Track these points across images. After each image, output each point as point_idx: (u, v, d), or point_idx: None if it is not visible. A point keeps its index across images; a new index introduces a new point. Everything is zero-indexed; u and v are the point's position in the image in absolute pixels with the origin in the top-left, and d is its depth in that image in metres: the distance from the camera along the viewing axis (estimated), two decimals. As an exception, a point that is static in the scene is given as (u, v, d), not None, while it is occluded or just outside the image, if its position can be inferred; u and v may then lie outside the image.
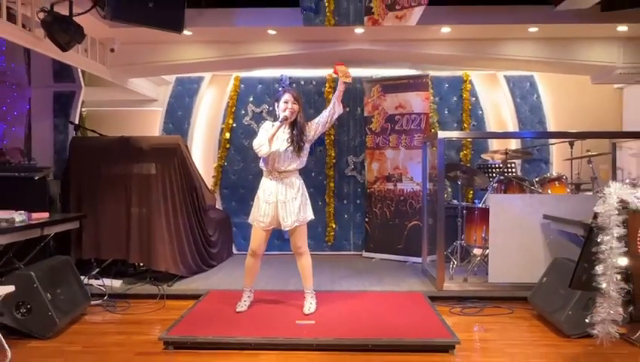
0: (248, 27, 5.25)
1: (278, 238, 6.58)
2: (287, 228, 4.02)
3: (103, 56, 5.46)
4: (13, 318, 3.64)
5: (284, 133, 3.99)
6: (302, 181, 4.13)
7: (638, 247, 2.05)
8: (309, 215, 4.10)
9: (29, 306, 3.65)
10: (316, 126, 4.05)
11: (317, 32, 5.32)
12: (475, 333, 3.93)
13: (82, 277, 4.45)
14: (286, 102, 3.95)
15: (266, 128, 3.99)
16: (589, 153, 5.66)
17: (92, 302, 4.43)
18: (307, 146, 4.07)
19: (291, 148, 3.96)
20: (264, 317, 3.97)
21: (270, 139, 3.90)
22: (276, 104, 4.04)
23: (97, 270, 5.07)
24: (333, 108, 4.01)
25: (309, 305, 4.11)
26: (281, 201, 3.98)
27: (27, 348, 3.52)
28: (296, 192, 4.02)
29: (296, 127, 3.97)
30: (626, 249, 2.04)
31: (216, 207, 6.79)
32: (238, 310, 4.09)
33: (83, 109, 6.44)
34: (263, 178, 4.10)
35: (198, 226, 5.46)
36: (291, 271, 4.89)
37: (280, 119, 3.92)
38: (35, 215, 4.11)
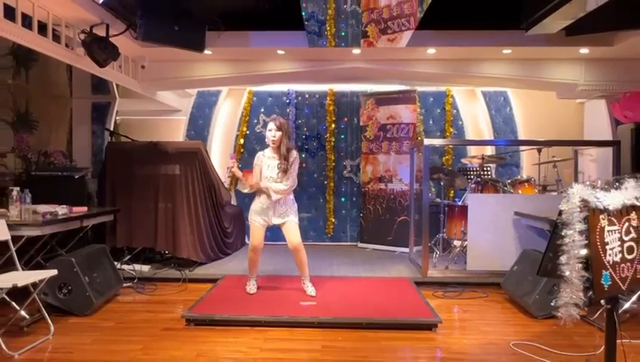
0: (261, 48, 5.24)
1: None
2: (276, 223, 4.04)
3: (135, 71, 5.46)
4: (56, 298, 3.66)
5: (274, 160, 3.97)
6: (291, 196, 4.09)
7: (597, 240, 2.06)
8: (295, 219, 4.06)
9: (69, 287, 3.67)
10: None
11: (320, 52, 5.31)
12: (455, 314, 3.93)
13: (116, 263, 4.47)
14: (270, 130, 3.95)
15: (255, 164, 4.04)
16: (555, 159, 5.65)
17: (124, 285, 4.44)
18: (292, 170, 3.97)
19: (280, 173, 3.93)
20: (272, 299, 3.97)
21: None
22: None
23: (129, 256, 5.09)
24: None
25: (310, 289, 4.10)
26: (273, 213, 4.02)
27: (68, 324, 3.54)
28: (286, 206, 4.02)
29: (280, 154, 3.94)
30: (587, 242, 2.04)
31: (232, 203, 6.79)
32: (249, 292, 4.11)
33: (117, 118, 6.44)
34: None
35: (216, 219, 5.46)
36: (296, 258, 4.89)
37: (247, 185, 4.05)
38: (75, 209, 4.12)
